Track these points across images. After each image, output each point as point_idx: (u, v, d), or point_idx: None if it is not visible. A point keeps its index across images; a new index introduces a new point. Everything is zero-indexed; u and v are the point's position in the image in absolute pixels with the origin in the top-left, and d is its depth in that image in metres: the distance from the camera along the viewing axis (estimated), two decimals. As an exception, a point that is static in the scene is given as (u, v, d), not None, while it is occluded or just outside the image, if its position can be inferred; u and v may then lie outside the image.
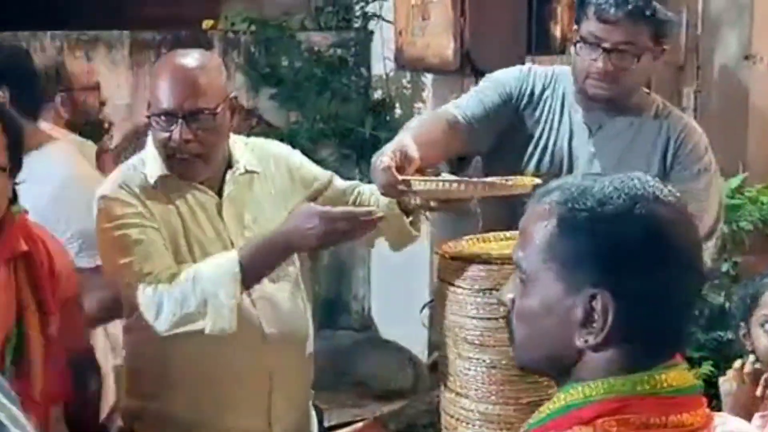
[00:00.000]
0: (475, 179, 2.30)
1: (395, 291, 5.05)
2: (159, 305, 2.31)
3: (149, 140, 2.45)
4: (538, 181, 2.26)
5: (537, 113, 2.70)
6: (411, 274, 4.64)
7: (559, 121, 2.68)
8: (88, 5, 5.56)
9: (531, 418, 1.32)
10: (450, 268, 2.19)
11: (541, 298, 1.29)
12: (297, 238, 2.29)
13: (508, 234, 2.28)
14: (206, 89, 2.35)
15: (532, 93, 2.70)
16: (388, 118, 5.31)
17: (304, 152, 5.16)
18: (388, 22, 5.16)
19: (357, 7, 5.42)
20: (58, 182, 2.87)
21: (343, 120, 5.26)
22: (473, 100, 2.70)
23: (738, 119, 4.80)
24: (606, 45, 2.52)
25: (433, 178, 2.33)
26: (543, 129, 2.69)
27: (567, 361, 1.29)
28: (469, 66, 4.54)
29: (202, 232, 2.43)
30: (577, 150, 2.66)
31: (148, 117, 2.39)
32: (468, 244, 2.30)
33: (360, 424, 3.92)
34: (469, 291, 2.11)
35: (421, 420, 4.55)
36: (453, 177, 2.36)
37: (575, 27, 2.65)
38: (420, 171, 2.36)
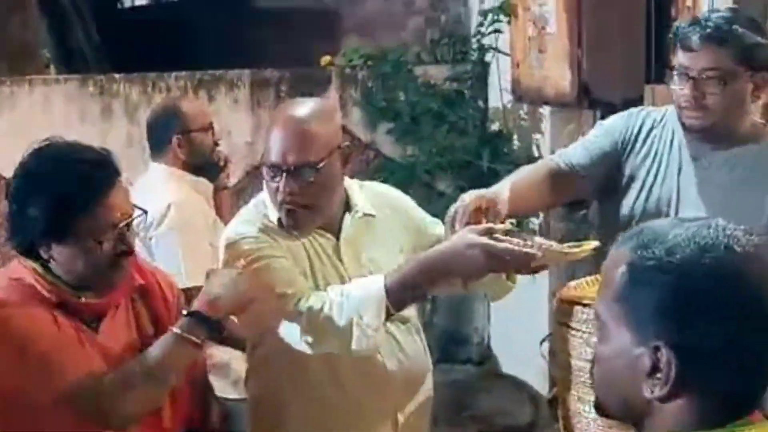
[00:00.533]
0: (536, 242, 2.22)
1: (515, 324, 5.01)
2: (305, 326, 2.31)
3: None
4: (597, 244, 2.21)
5: (643, 152, 2.68)
6: (531, 307, 4.60)
7: (668, 158, 2.65)
8: (210, 46, 5.73)
9: None
10: (566, 311, 2.17)
11: (613, 345, 1.27)
12: (453, 263, 2.23)
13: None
14: (311, 143, 2.35)
15: (638, 134, 2.69)
16: (505, 150, 5.28)
17: (422, 185, 5.23)
18: (504, 54, 5.15)
19: (473, 40, 5.42)
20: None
21: (459, 152, 5.27)
22: (579, 147, 2.73)
23: None
24: (692, 73, 2.51)
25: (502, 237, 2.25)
26: (650, 168, 2.67)
27: (638, 411, 1.26)
28: (587, 98, 4.50)
29: (325, 270, 2.45)
30: (685, 186, 2.62)
31: (257, 167, 2.43)
32: (584, 287, 2.27)
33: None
34: (587, 334, 2.09)
35: (541, 456, 4.50)
36: (516, 240, 2.23)
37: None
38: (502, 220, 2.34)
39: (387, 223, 2.54)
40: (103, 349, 2.24)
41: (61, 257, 2.20)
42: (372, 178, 5.15)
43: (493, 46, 5.27)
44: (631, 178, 2.69)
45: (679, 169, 2.63)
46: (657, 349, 1.21)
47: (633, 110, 2.79)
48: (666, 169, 2.65)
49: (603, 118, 4.70)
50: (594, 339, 2.05)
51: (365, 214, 2.50)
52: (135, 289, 2.34)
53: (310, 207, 2.39)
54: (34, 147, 2.26)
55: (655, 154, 2.67)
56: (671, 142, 2.65)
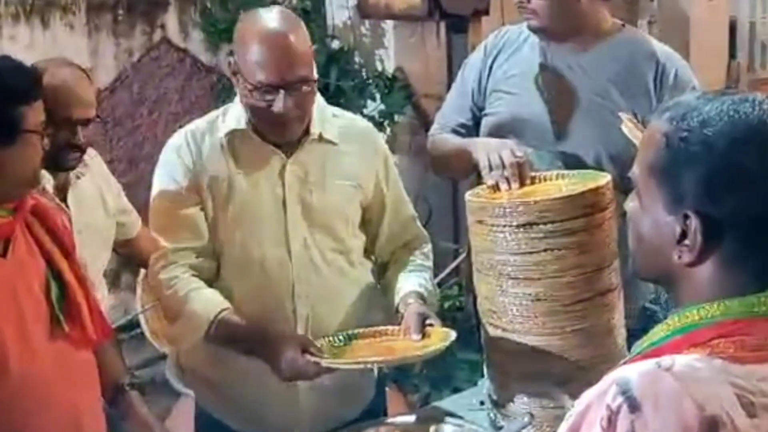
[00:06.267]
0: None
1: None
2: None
3: (238, 100, 2.41)
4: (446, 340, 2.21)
5: (510, 72, 2.76)
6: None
7: (532, 69, 2.73)
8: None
9: (642, 341, 1.33)
10: (483, 208, 2.22)
11: (647, 212, 1.33)
12: (270, 360, 2.26)
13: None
14: (310, 58, 2.30)
15: (492, 65, 2.77)
16: (348, 67, 5.29)
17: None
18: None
19: (315, -45, 5.36)
20: None
21: (304, 71, 5.23)
22: (452, 108, 2.87)
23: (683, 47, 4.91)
24: None
25: None
26: (520, 78, 2.74)
27: (668, 275, 1.32)
28: (438, 10, 4.54)
29: (256, 194, 2.40)
30: (553, 89, 2.70)
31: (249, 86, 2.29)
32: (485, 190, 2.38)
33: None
34: (509, 228, 2.14)
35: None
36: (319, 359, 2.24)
37: None
38: None
39: (349, 157, 2.47)
40: (10, 275, 2.17)
41: None
42: (216, 101, 5.09)
43: (334, -39, 5.23)
44: (498, 92, 2.76)
45: (545, 75, 2.71)
46: (686, 217, 1.26)
47: (480, 46, 2.86)
48: (533, 79, 2.72)
49: (449, 30, 4.80)
50: (514, 231, 2.16)
51: (323, 139, 2.42)
52: (29, 209, 2.26)
53: (301, 119, 2.35)
54: None
55: (520, 68, 2.74)
56: (530, 54, 2.74)
